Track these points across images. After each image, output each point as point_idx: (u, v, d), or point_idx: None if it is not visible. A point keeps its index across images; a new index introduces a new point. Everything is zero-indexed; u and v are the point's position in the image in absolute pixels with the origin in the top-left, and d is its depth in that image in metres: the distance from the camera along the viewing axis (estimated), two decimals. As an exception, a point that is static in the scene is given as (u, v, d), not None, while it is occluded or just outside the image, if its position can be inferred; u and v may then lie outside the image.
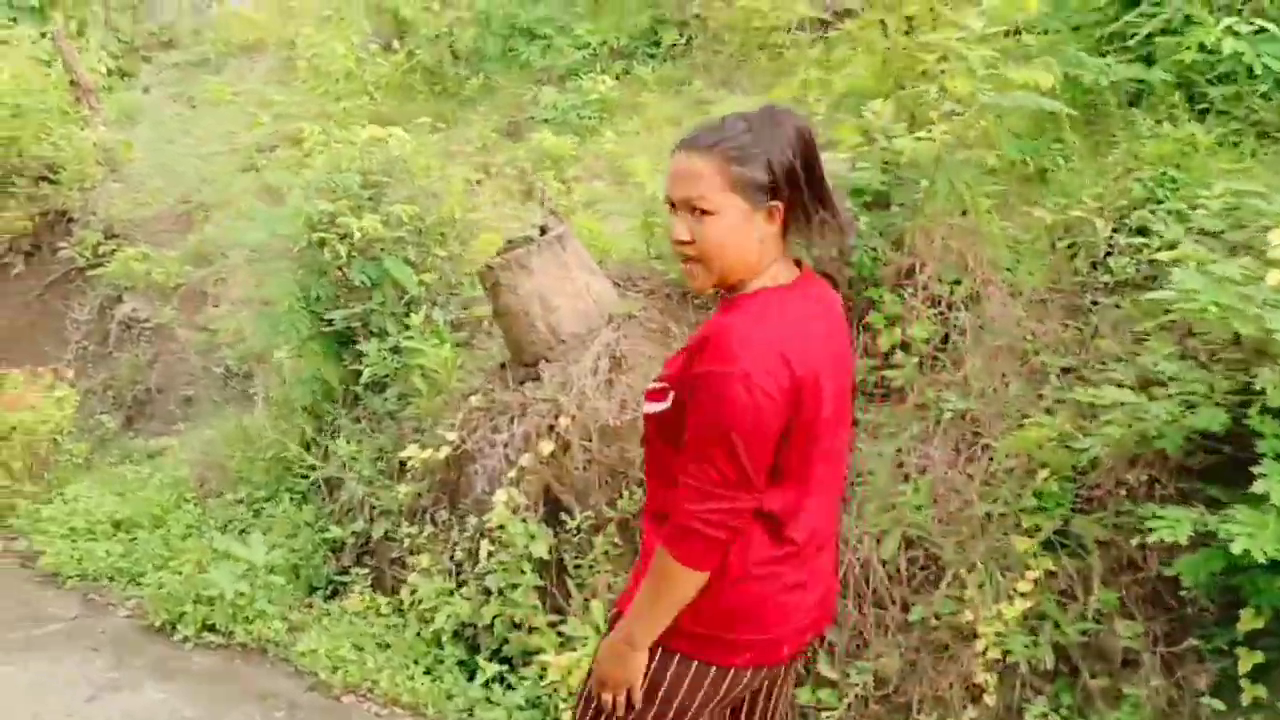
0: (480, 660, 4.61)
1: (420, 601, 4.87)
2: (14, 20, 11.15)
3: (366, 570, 5.32)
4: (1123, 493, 3.81)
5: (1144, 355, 3.83)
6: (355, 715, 4.64)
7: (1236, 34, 4.59)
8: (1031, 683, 3.78)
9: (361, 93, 9.36)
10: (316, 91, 9.60)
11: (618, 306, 4.94)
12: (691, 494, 2.18)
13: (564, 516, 4.60)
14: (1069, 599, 3.79)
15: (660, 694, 2.35)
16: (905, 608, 4.01)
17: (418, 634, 4.88)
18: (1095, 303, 4.29)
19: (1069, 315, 4.35)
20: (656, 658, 2.34)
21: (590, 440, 4.64)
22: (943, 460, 4.16)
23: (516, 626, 4.60)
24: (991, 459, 4.09)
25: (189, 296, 8.18)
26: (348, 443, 5.60)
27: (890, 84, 4.83)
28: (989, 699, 3.77)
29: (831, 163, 4.39)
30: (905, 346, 4.35)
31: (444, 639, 4.79)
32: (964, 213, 4.38)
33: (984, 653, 3.78)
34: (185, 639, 5.24)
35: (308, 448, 5.90)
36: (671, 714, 2.36)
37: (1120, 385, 3.65)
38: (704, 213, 2.22)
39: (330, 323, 5.71)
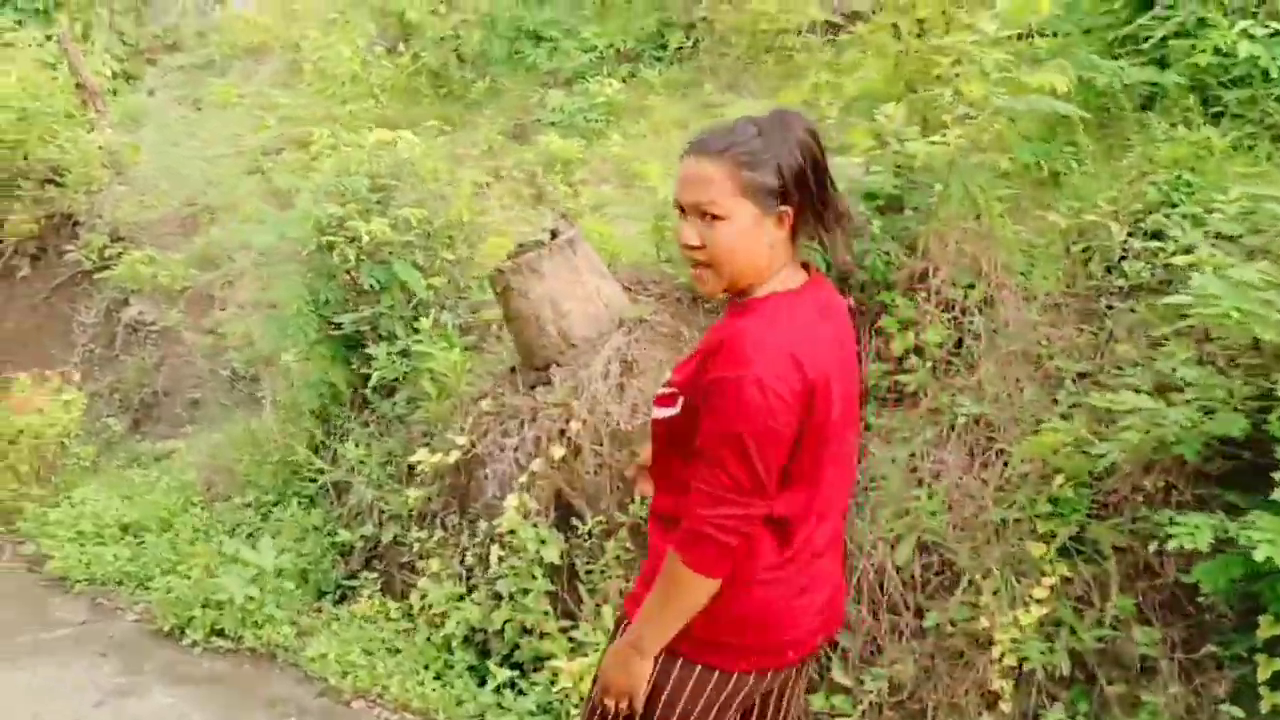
0: (491, 666, 4.59)
1: (430, 606, 4.85)
2: (19, 23, 11.15)
3: (375, 575, 5.30)
4: (1139, 498, 3.79)
5: (1160, 360, 3.81)
6: (365, 721, 4.64)
7: (1252, 37, 4.58)
8: (1048, 690, 3.76)
9: (367, 96, 9.35)
10: (322, 94, 9.60)
11: (629, 310, 4.92)
12: (704, 499, 2.17)
13: (575, 521, 4.59)
14: (1085, 605, 3.77)
15: (664, 699, 2.34)
16: (920, 614, 4.00)
17: (428, 639, 4.86)
18: (1110, 307, 4.27)
19: (1083, 320, 4.33)
20: (660, 662, 2.33)
21: (601, 444, 4.62)
22: (957, 465, 4.14)
23: (527, 632, 4.58)
24: (1006, 464, 4.07)
25: (195, 299, 8.16)
26: (356, 446, 5.58)
27: (901, 87, 4.82)
28: (1005, 706, 3.74)
29: (844, 166, 4.43)
30: (918, 351, 4.33)
31: (454, 644, 4.77)
32: (977, 217, 4.36)
33: (1000, 659, 3.76)
34: (194, 644, 5.22)
35: (316, 451, 5.89)
36: (675, 719, 2.35)
37: (1138, 391, 3.62)
38: (714, 218, 2.21)
39: (339, 326, 5.69)
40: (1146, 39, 4.86)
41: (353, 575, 5.45)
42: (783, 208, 2.23)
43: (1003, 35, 4.33)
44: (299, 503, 5.89)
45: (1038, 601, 3.75)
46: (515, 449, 4.80)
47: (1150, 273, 4.21)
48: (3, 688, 4.84)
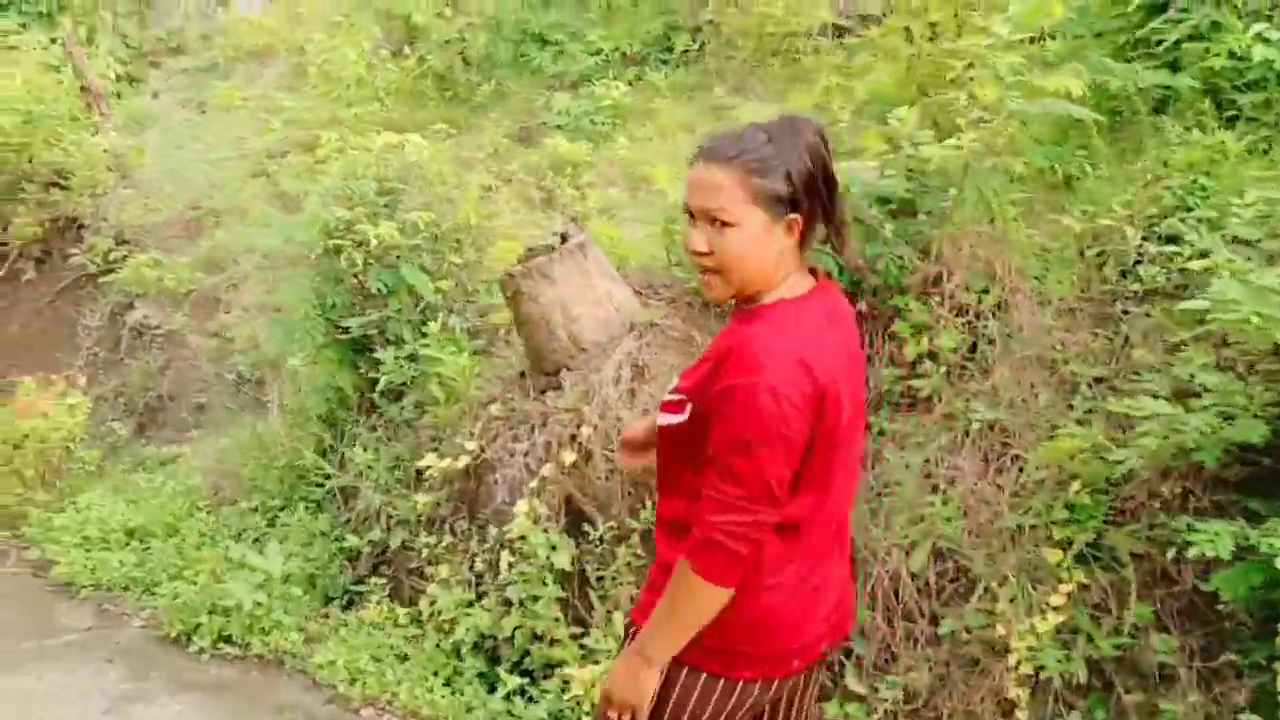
0: (501, 672, 4.56)
1: (439, 613, 4.82)
2: (23, 26, 11.13)
3: (384, 580, 5.27)
4: (1156, 505, 3.76)
5: (1178, 365, 3.78)
6: (374, 728, 4.61)
7: (1267, 40, 4.56)
8: (1065, 698, 3.73)
9: (372, 99, 9.32)
10: (327, 97, 9.56)
11: (639, 315, 4.89)
12: (714, 506, 2.16)
13: (586, 527, 4.56)
14: (1102, 613, 3.75)
15: (670, 709, 2.32)
16: (935, 621, 3.97)
17: (437, 646, 4.83)
18: (1125, 312, 4.25)
19: (1098, 324, 4.30)
20: (665, 670, 2.30)
21: (613, 450, 4.59)
22: (972, 471, 4.12)
23: (538, 638, 4.55)
24: (1021, 470, 4.04)
25: (200, 303, 8.14)
26: (364, 451, 5.55)
27: (914, 91, 4.80)
28: (1021, 714, 3.72)
29: (858, 170, 4.40)
30: (932, 356, 4.31)
31: (464, 651, 4.74)
32: (991, 221, 4.34)
33: (1016, 667, 3.74)
34: (201, 650, 5.19)
35: (323, 456, 5.86)
36: None
37: (1155, 396, 3.59)
38: (724, 224, 2.21)
39: (346, 330, 5.66)
40: (1159, 42, 4.83)
41: (360, 581, 5.42)
42: (792, 215, 2.23)
43: (1015, 39, 4.30)
44: (306, 508, 5.86)
45: (1054, 609, 3.73)
46: (525, 454, 4.77)
47: (1166, 277, 4.18)
48: (8, 694, 4.81)
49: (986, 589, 3.89)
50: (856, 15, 7.49)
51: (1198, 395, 3.60)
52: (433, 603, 4.85)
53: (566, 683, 4.33)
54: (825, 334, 2.26)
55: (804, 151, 2.22)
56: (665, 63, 8.98)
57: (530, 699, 4.48)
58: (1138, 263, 4.30)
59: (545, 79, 9.22)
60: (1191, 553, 3.27)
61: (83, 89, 9.82)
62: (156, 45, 13.87)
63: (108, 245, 8.66)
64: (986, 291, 4.34)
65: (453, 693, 4.65)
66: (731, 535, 2.14)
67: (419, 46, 9.83)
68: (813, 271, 2.37)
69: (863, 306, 4.44)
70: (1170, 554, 3.58)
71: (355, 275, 5.61)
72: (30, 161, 9.12)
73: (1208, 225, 4.08)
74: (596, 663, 4.32)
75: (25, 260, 9.18)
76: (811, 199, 2.24)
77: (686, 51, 8.93)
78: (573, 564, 4.53)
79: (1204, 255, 3.88)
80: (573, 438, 4.66)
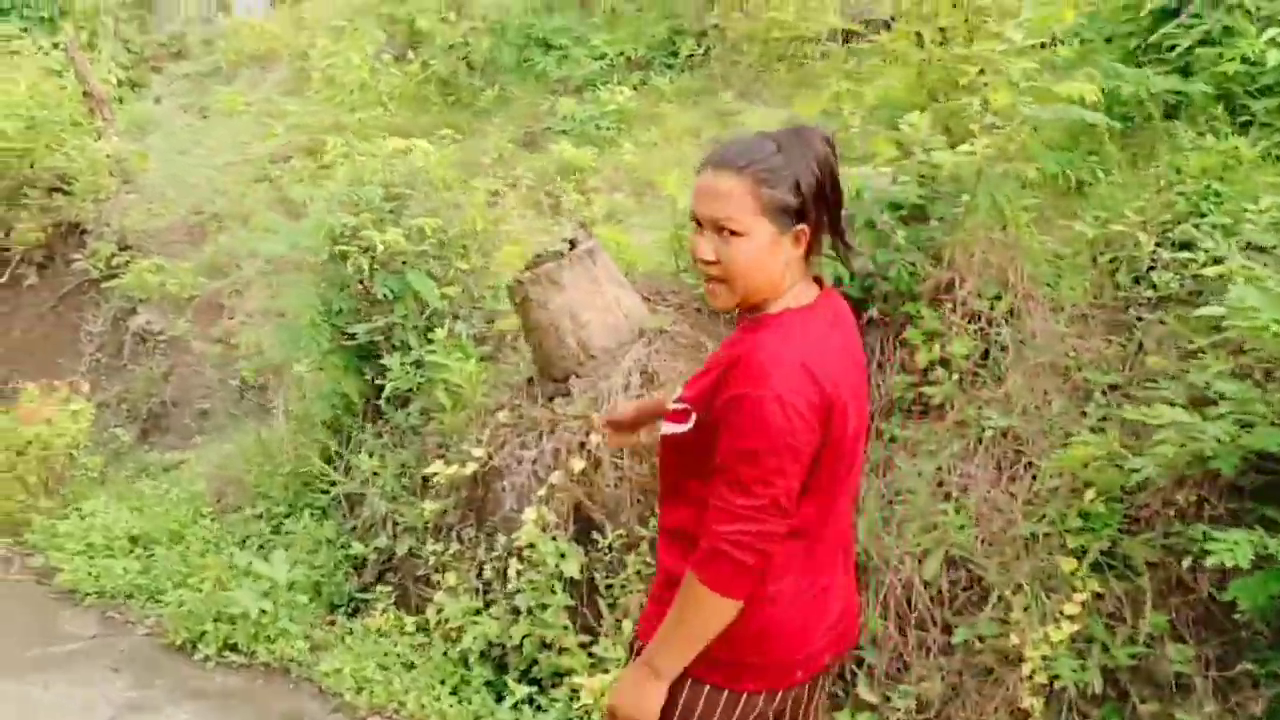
0: (509, 681, 4.53)
1: (447, 620, 4.79)
2: (25, 30, 11.12)
3: (390, 588, 5.24)
4: (1171, 513, 3.73)
5: (1193, 373, 3.75)
6: (382, 737, 4.58)
7: (1280, 46, 4.54)
8: (1079, 707, 3.70)
9: (376, 104, 9.31)
10: (330, 102, 9.55)
11: (649, 321, 4.87)
12: (721, 516, 2.14)
13: (595, 535, 4.53)
14: (1117, 622, 3.72)
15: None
16: (948, 630, 3.94)
17: (444, 654, 4.80)
18: (1139, 318, 4.22)
19: (1112, 331, 4.28)
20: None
21: (622, 457, 4.57)
22: (985, 479, 4.09)
23: (546, 647, 4.52)
24: (1035, 478, 4.01)
25: (203, 308, 8.12)
26: (370, 457, 5.52)
27: (924, 96, 4.78)
28: (1035, 724, 3.69)
29: (870, 176, 4.38)
30: (944, 363, 4.28)
31: (471, 659, 4.71)
32: (1004, 227, 4.31)
33: (1030, 677, 3.70)
34: (206, 658, 5.16)
35: (329, 462, 5.83)
36: None
37: (1172, 404, 3.56)
38: (732, 234, 2.20)
39: (352, 336, 5.63)
40: (1171, 48, 4.81)
41: (366, 588, 5.39)
42: (799, 226, 2.22)
43: (1027, 44, 4.29)
44: (311, 514, 5.83)
45: (1069, 618, 3.69)
46: (534, 461, 4.74)
47: (1180, 284, 4.16)
48: (12, 703, 4.78)
49: (1000, 597, 3.86)
50: (863, 20, 7.46)
51: (1213, 403, 3.57)
52: (440, 610, 4.82)
53: (575, 691, 4.30)
54: (830, 341, 2.26)
55: (812, 162, 2.21)
56: (670, 67, 8.97)
57: (539, 708, 4.45)
58: (1151, 269, 4.28)
59: (549, 84, 9.21)
60: (1210, 561, 3.24)
61: (85, 94, 9.80)
62: (158, 50, 13.89)
63: (110, 250, 8.65)
64: (999, 298, 4.31)
65: (460, 701, 4.62)
66: (739, 546, 2.12)
67: (422, 51, 9.83)
68: (817, 281, 2.36)
69: (874, 313, 4.42)
70: (1186, 562, 3.56)
71: (361, 281, 5.58)
72: (33, 167, 9.11)
73: (1222, 231, 4.05)
74: (606, 671, 4.29)
75: (28, 265, 9.17)
76: (819, 210, 2.23)
77: (691, 56, 8.92)
78: (581, 572, 4.50)
79: (1218, 261, 3.85)
80: (582, 445, 4.63)
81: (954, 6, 4.55)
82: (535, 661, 4.55)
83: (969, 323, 4.31)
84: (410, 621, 5.03)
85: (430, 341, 5.41)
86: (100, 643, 5.42)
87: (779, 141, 2.23)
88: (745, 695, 2.29)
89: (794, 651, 2.32)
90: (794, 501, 2.16)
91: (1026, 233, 4.39)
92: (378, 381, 5.60)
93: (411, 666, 4.85)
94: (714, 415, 2.19)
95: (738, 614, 2.19)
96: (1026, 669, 3.71)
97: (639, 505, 4.51)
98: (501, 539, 4.73)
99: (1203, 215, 4.22)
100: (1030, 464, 4.05)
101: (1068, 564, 3.77)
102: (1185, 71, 4.82)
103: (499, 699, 4.56)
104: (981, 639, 3.85)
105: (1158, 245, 4.29)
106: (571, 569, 4.47)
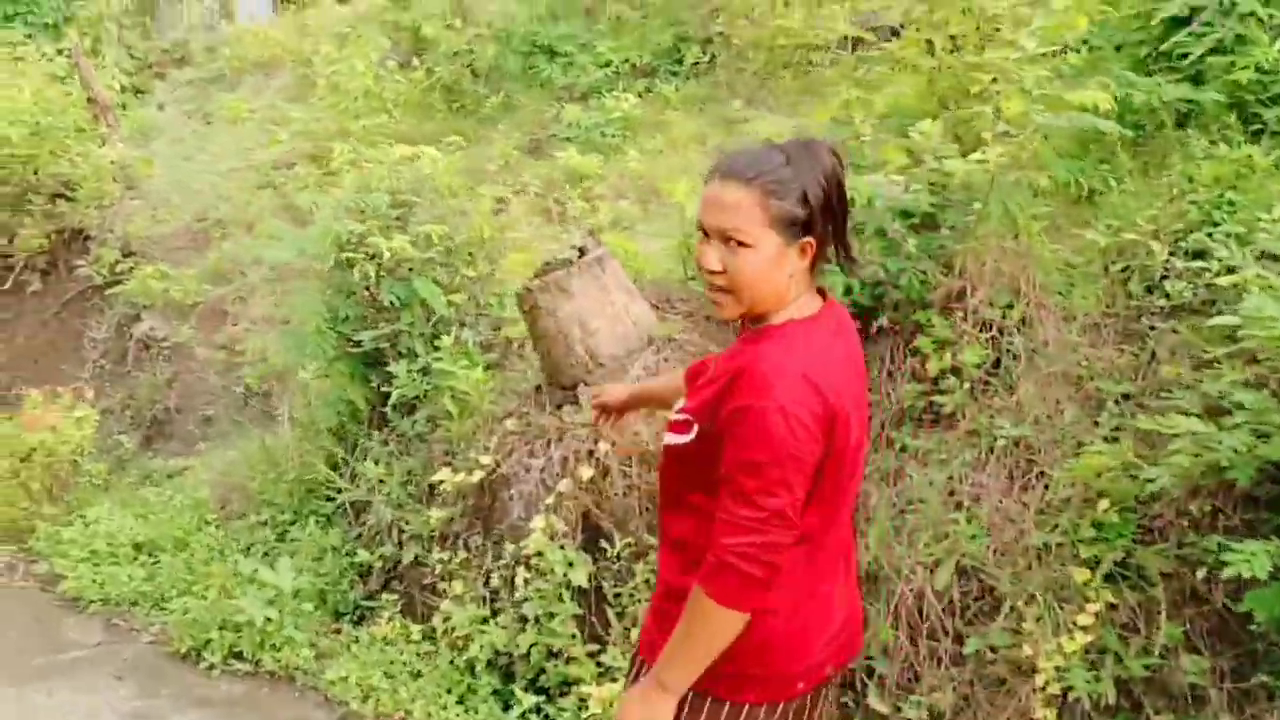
0: (516, 690, 4.50)
1: (453, 629, 4.76)
2: (29, 37, 11.12)
3: (396, 596, 5.22)
4: (1185, 523, 3.71)
5: (1208, 382, 3.73)
6: (388, 746, 4.56)
7: (1293, 54, 4.53)
8: (1093, 719, 3.67)
9: (380, 110, 9.31)
10: (335, 109, 9.54)
11: (657, 329, 4.86)
12: (726, 529, 2.13)
13: (603, 543, 4.50)
14: (1131, 632, 3.69)
15: None
16: (959, 640, 3.91)
17: (451, 662, 4.77)
18: (1152, 328, 4.20)
19: (1124, 340, 4.26)
20: None
21: (631, 466, 4.55)
22: (997, 488, 4.07)
23: (554, 656, 4.50)
24: (1047, 487, 3.99)
25: (207, 315, 8.10)
26: (376, 465, 5.50)
27: (935, 104, 4.76)
28: (1048, 735, 3.67)
29: (881, 184, 4.36)
30: (956, 371, 4.26)
31: (478, 668, 4.68)
32: (1016, 235, 4.30)
33: (1043, 688, 3.67)
34: (211, 666, 5.13)
35: (334, 469, 5.81)
36: None
37: (1187, 414, 3.54)
38: (740, 244, 2.19)
39: (358, 343, 5.61)
40: (1183, 56, 4.79)
41: (371, 596, 5.37)
42: (806, 238, 2.22)
43: (1038, 52, 4.28)
44: (316, 522, 5.81)
45: (1082, 628, 3.67)
46: (541, 469, 4.72)
47: (1193, 293, 4.14)
48: (17, 711, 4.76)
49: (1012, 608, 3.83)
50: (870, 28, 7.45)
51: (1228, 413, 3.55)
52: (446, 619, 4.79)
53: (583, 700, 4.27)
54: (833, 352, 2.26)
55: (820, 175, 2.21)
56: (675, 74, 8.97)
57: (546, 717, 4.43)
58: (1164, 278, 4.25)
59: (554, 91, 9.21)
60: (1227, 573, 3.22)
61: (89, 100, 9.80)
62: (161, 57, 13.88)
63: (114, 257, 8.65)
64: (1011, 306, 4.29)
65: (467, 710, 4.59)
66: (745, 558, 2.11)
67: (427, 58, 9.83)
68: (820, 292, 2.36)
69: (884, 321, 4.40)
70: (1201, 573, 3.54)
71: (367, 288, 5.57)
72: (37, 173, 9.10)
73: (1236, 240, 4.03)
74: (614, 680, 4.27)
75: (31, 272, 9.16)
76: (826, 222, 2.23)
77: (697, 64, 8.93)
78: (590, 580, 4.48)
79: (1232, 271, 3.83)
80: (590, 453, 4.61)
81: (965, 14, 4.53)
82: (543, 670, 4.52)
83: (980, 331, 4.29)
84: (416, 630, 5.00)
85: (437, 349, 5.39)
86: (104, 650, 5.39)
87: (788, 153, 2.22)
88: (747, 707, 2.28)
89: (795, 662, 2.31)
90: (799, 512, 2.15)
91: (1038, 241, 4.37)
92: (384, 389, 5.58)
93: (418, 675, 4.82)
94: (717, 426, 2.19)
95: (744, 626, 2.18)
96: (1039, 680, 3.68)
97: (648, 514, 4.49)
98: (509, 547, 4.70)
99: (1216, 224, 4.20)
100: (1042, 473, 4.03)
101: (1081, 574, 3.74)
102: (1197, 80, 4.81)
103: (506, 708, 4.54)
104: (994, 649, 3.82)
105: (1171, 254, 4.27)
106: (580, 577, 4.45)
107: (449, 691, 4.68)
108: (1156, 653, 3.62)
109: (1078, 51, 4.94)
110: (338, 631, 5.29)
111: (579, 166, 7.46)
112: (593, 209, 7.07)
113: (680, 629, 2.21)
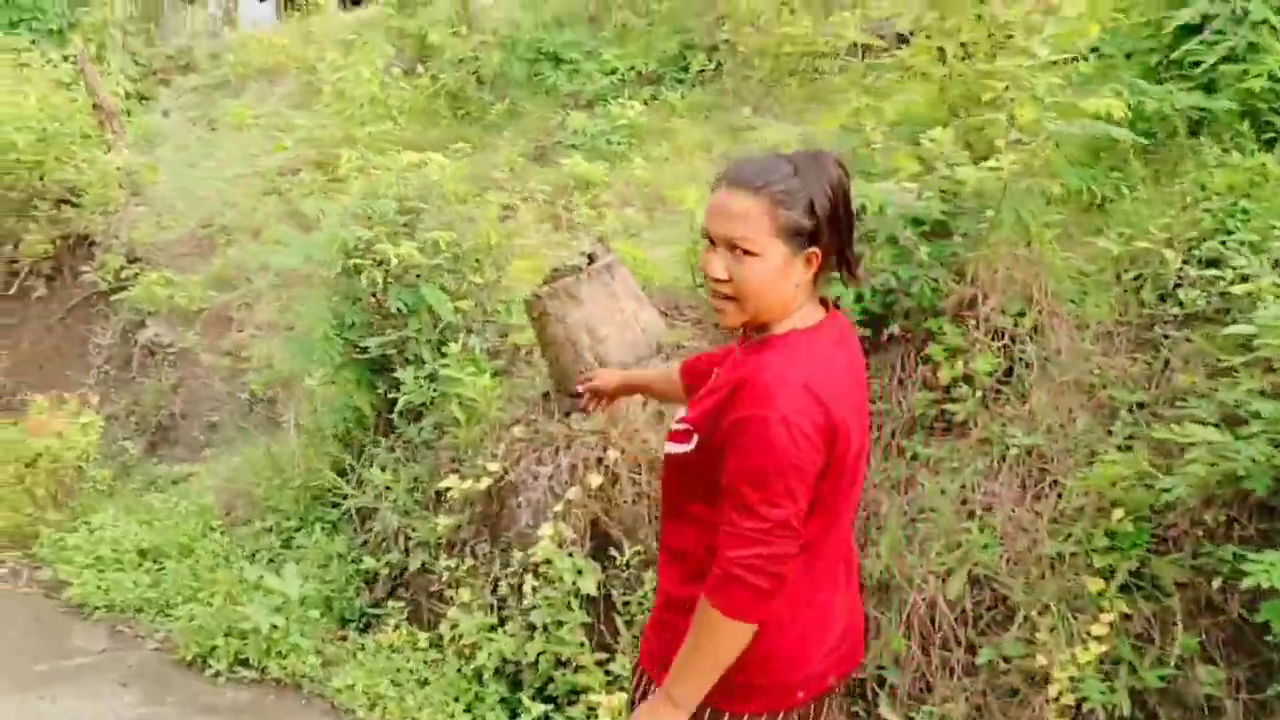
0: (524, 699, 4.48)
1: (460, 637, 4.73)
2: (34, 43, 11.13)
3: (402, 604, 5.19)
4: (1200, 533, 3.68)
5: (1223, 391, 3.71)
6: (396, 754, 4.53)
7: (1307, 62, 4.51)
8: (1107, 730, 3.65)
9: (385, 117, 9.31)
10: (340, 116, 9.54)
11: (666, 336, 4.84)
12: (731, 541, 2.13)
13: (612, 551, 4.48)
14: (1146, 643, 3.67)
15: None
16: (972, 650, 3.89)
17: (458, 670, 4.75)
18: (1165, 336, 4.18)
19: (1137, 349, 4.24)
20: None
21: (640, 473, 4.53)
22: (1009, 497, 4.04)
23: (562, 664, 4.48)
24: (1060, 496, 3.97)
25: (212, 321, 8.09)
26: (382, 471, 5.48)
27: (946, 111, 4.75)
28: (1063, 746, 3.64)
29: (892, 191, 4.34)
30: (968, 379, 4.24)
31: (485, 676, 4.66)
32: (1028, 243, 4.28)
33: (1057, 698, 3.65)
34: (217, 673, 5.09)
35: (340, 476, 5.79)
36: None
37: (1203, 423, 3.52)
38: (746, 253, 2.19)
39: (365, 350, 5.60)
40: (1195, 64, 4.78)
41: (378, 604, 5.34)
42: (812, 249, 2.22)
43: (1050, 60, 4.27)
44: (322, 528, 5.78)
45: (1096, 639, 3.64)
46: (550, 477, 4.70)
47: (1206, 301, 4.12)
48: (20, 717, 4.72)
49: (1026, 618, 3.81)
50: (878, 35, 7.44)
51: (1243, 422, 3.53)
52: (454, 626, 4.77)
53: (592, 709, 4.25)
54: (835, 362, 2.26)
55: (827, 185, 2.21)
56: (681, 82, 8.98)
57: (554, 725, 4.41)
58: (1178, 286, 4.24)
59: (560, 98, 9.22)
60: (1246, 583, 3.20)
61: (95, 107, 9.80)
62: (166, 63, 13.92)
63: (119, 263, 8.64)
64: (1023, 314, 4.28)
65: (474, 718, 4.57)
66: (751, 570, 2.10)
67: (432, 65, 9.84)
68: (823, 302, 2.36)
69: (895, 329, 4.38)
70: (1216, 583, 3.52)
71: (374, 295, 5.55)
72: (42, 179, 9.12)
73: (1250, 248, 4.02)
74: (622, 689, 4.24)
75: (36, 278, 9.16)
76: (832, 233, 2.23)
77: (703, 71, 8.93)
78: (598, 589, 4.46)
79: (1246, 279, 3.82)
80: (599, 460, 4.60)
81: (977, 21, 4.52)
82: (551, 679, 4.50)
83: (992, 339, 4.27)
84: (423, 637, 4.97)
85: (444, 355, 5.37)
86: (109, 657, 5.36)
87: (795, 163, 2.22)
88: (747, 717, 2.28)
89: (794, 671, 2.30)
90: (803, 522, 2.14)
91: (1050, 249, 4.36)
92: (391, 395, 5.57)
93: (425, 683, 4.79)
94: (719, 437, 2.18)
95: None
96: (1053, 690, 3.65)
97: (657, 522, 4.46)
98: (517, 555, 4.68)
99: (1230, 232, 4.19)
100: (1055, 482, 4.01)
101: (1095, 584, 3.72)
102: (1209, 88, 4.80)
103: (514, 716, 4.52)
104: (1007, 659, 3.80)
105: (1184, 262, 4.26)
106: (588, 586, 4.43)
107: (456, 700, 4.65)
108: (1172, 663, 3.59)
109: (1087, 60, 4.92)
110: (344, 639, 5.26)
111: (585, 174, 7.45)
112: (599, 216, 7.06)
113: (688, 643, 2.20)
